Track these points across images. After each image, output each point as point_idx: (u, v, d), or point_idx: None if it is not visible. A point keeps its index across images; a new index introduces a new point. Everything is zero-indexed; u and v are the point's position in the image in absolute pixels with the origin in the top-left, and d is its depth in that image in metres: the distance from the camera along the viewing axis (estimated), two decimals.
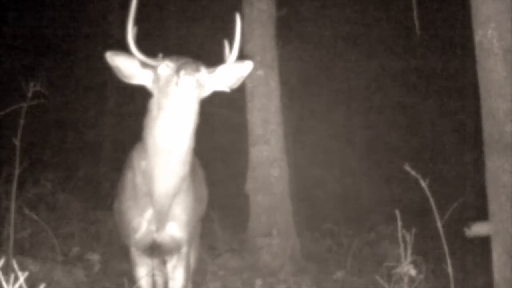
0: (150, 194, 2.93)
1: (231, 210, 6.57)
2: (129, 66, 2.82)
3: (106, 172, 8.91)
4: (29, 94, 3.83)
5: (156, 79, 2.80)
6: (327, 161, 9.76)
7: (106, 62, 2.81)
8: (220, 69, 2.87)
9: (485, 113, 3.71)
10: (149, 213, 3.00)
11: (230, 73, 2.89)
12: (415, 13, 4.39)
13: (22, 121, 3.79)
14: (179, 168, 2.87)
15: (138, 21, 2.82)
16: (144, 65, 2.82)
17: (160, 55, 2.85)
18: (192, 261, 3.57)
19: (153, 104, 2.84)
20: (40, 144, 8.53)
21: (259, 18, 5.75)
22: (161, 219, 3.01)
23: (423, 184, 3.36)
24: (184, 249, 3.21)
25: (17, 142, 3.72)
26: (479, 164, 4.07)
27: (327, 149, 9.67)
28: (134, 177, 3.01)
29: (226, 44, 2.93)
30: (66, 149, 9.62)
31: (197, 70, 2.73)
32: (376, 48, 10.21)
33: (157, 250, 3.13)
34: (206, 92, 2.87)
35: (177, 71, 2.67)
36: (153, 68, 2.81)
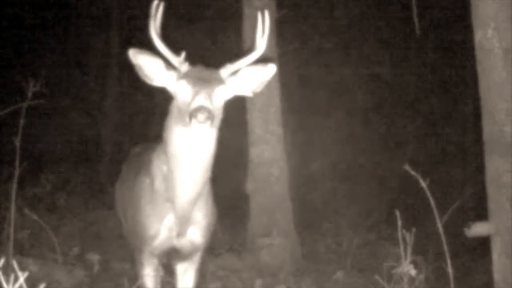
0: (171, 200, 2.82)
1: (231, 210, 6.56)
2: (153, 66, 2.67)
3: (106, 172, 8.92)
4: (29, 94, 3.84)
5: (176, 87, 2.67)
6: (327, 161, 9.75)
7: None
8: (244, 67, 2.76)
9: (485, 113, 3.71)
10: (169, 219, 2.88)
11: (253, 76, 2.78)
12: (414, 13, 4.39)
13: (22, 121, 3.80)
14: (202, 174, 2.77)
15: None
16: (169, 66, 2.69)
17: (183, 54, 2.71)
18: None
19: (174, 107, 2.69)
20: (40, 144, 8.53)
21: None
22: (182, 224, 2.91)
23: (423, 184, 3.36)
24: (199, 253, 3.14)
25: (17, 142, 3.73)
26: (479, 164, 4.07)
27: (327, 149, 9.66)
28: (152, 182, 2.89)
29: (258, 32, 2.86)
30: (66, 149, 9.62)
31: (212, 91, 2.58)
32: (376, 47, 10.20)
33: (173, 255, 3.05)
34: (229, 96, 2.74)
35: (193, 111, 2.49)
36: (176, 70, 2.69)
